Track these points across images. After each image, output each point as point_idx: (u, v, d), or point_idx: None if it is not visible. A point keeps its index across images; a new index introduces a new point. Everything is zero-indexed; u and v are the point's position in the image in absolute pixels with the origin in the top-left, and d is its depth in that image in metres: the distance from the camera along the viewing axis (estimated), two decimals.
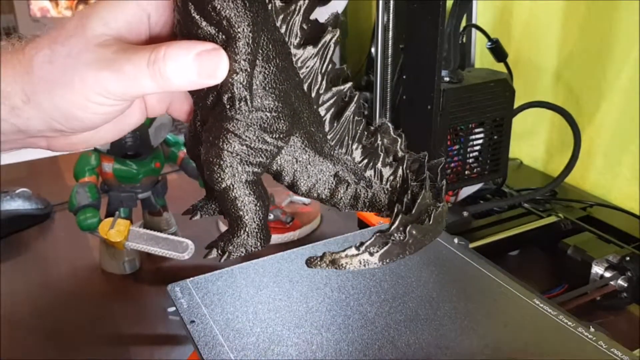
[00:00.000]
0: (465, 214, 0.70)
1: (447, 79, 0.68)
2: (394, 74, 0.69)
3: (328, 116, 0.32)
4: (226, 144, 0.29)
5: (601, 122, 0.85)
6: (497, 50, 0.79)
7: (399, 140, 0.33)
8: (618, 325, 0.60)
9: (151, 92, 0.28)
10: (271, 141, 0.30)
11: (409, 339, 0.46)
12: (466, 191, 0.76)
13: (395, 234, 0.30)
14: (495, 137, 0.73)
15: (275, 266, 0.54)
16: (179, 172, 0.81)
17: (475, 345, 0.45)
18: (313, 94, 0.31)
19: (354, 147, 0.32)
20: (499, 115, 0.72)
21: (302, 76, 0.30)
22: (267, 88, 0.29)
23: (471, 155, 0.72)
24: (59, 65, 0.28)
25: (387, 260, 0.30)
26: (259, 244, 0.32)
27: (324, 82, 0.31)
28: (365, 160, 0.33)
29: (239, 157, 0.30)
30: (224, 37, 0.28)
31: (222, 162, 0.30)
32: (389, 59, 0.67)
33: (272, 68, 0.29)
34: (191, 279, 0.52)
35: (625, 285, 0.60)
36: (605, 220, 0.74)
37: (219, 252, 0.32)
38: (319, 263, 0.30)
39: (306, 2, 0.29)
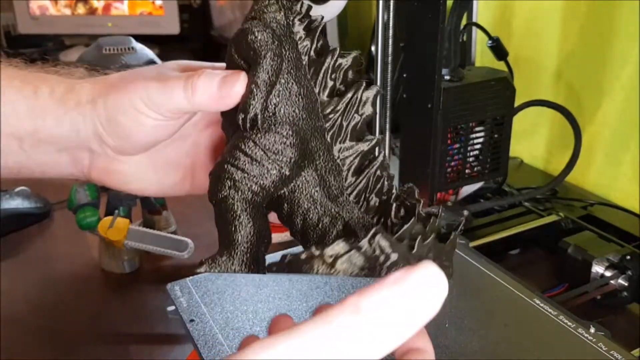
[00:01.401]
0: (465, 212, 0.70)
1: (447, 77, 0.68)
2: (394, 72, 0.68)
3: (349, 169, 0.32)
4: (232, 158, 0.31)
5: (602, 120, 0.85)
6: (498, 49, 0.79)
7: (419, 204, 0.31)
8: (618, 324, 0.60)
9: (183, 106, 0.32)
10: (275, 165, 0.31)
11: None
12: (466, 190, 0.76)
13: (362, 242, 0.26)
14: (496, 135, 0.73)
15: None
16: None
17: (475, 344, 0.45)
18: (335, 145, 0.32)
19: (371, 201, 0.32)
20: (500, 113, 0.72)
21: (326, 125, 0.32)
22: (285, 119, 0.31)
23: (471, 154, 0.72)
24: (127, 75, 0.33)
25: (349, 270, 0.27)
26: (242, 268, 0.30)
27: (347, 137, 0.32)
28: (377, 217, 0.32)
29: (240, 171, 0.30)
30: (248, 66, 0.31)
31: (224, 174, 0.31)
32: (389, 58, 0.66)
33: (294, 104, 0.31)
34: (191, 277, 0.52)
35: (626, 284, 0.60)
36: (605, 219, 0.73)
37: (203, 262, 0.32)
38: (275, 269, 0.29)
39: (335, 57, 0.32)
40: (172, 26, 1.37)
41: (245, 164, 0.30)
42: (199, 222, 0.81)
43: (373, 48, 1.12)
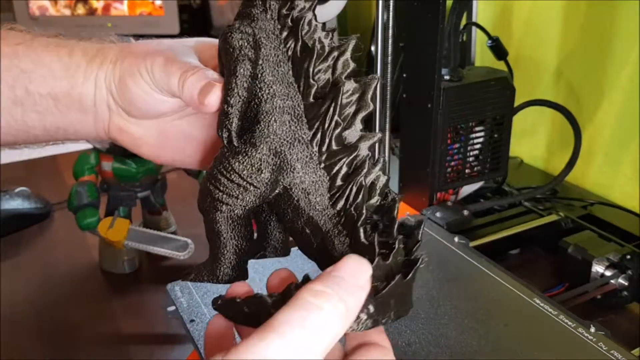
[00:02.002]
0: (465, 212, 0.70)
1: (447, 77, 0.68)
2: (394, 72, 0.68)
3: (335, 177, 0.30)
4: (212, 178, 0.31)
5: (602, 120, 0.85)
6: (498, 49, 0.79)
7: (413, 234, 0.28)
8: (618, 323, 0.60)
9: (173, 92, 0.33)
10: (252, 184, 0.30)
11: (409, 337, 0.46)
12: (466, 190, 0.76)
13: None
14: (496, 135, 0.73)
15: (275, 265, 0.54)
16: (178, 171, 0.81)
17: (475, 344, 0.45)
18: (320, 152, 0.30)
19: (348, 215, 0.29)
20: (499, 113, 0.72)
21: (310, 132, 0.30)
22: (262, 132, 0.30)
23: (471, 153, 0.72)
24: (150, 43, 0.36)
25: None
26: (224, 280, 0.32)
27: (334, 142, 0.30)
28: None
29: (219, 191, 0.30)
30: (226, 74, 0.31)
31: (206, 190, 0.31)
32: (389, 58, 0.66)
33: (272, 115, 0.30)
34: None
35: (626, 283, 0.60)
36: (605, 218, 0.73)
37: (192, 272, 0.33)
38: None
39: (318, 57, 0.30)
40: (171, 26, 1.36)
41: (224, 184, 0.30)
42: (199, 222, 0.81)
43: (373, 48, 1.11)
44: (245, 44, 0.30)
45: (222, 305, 0.29)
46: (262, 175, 0.30)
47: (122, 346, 0.59)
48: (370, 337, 0.26)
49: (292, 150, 0.30)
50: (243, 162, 0.30)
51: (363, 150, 0.30)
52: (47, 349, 0.59)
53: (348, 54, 0.31)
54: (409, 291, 0.26)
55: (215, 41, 0.34)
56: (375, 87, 0.30)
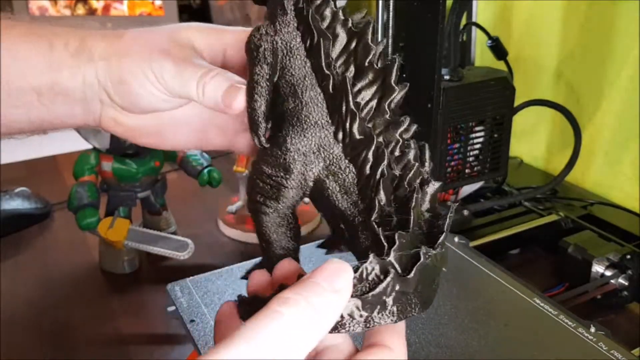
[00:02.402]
0: (465, 212, 0.70)
1: (447, 77, 0.68)
2: None
3: (361, 168, 0.30)
4: (251, 177, 0.32)
5: (602, 120, 0.85)
6: (498, 49, 0.79)
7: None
8: (618, 323, 0.60)
9: (190, 97, 0.33)
10: (287, 181, 0.31)
11: (409, 338, 0.45)
12: (466, 190, 0.76)
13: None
14: (496, 135, 0.73)
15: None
16: (178, 171, 0.81)
17: (475, 344, 0.45)
18: (345, 145, 0.30)
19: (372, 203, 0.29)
20: (499, 113, 0.72)
21: (333, 126, 0.30)
22: (286, 133, 0.31)
23: (471, 153, 0.72)
24: (141, 40, 0.34)
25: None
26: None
27: (355, 134, 0.29)
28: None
29: (256, 190, 0.32)
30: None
31: (247, 192, 0.32)
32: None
33: (295, 117, 0.30)
34: (191, 278, 0.52)
35: (626, 283, 0.60)
36: (605, 218, 0.73)
37: None
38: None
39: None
40: None
41: (260, 187, 0.31)
42: (199, 222, 0.81)
43: None
44: (267, 45, 0.31)
45: (246, 301, 0.29)
46: (292, 174, 0.30)
47: (122, 346, 0.59)
48: (382, 338, 0.26)
49: (319, 145, 0.30)
50: (272, 164, 0.31)
51: (389, 137, 0.29)
52: (47, 349, 0.59)
53: (368, 37, 0.30)
54: (416, 289, 0.25)
55: (209, 25, 0.35)
56: (397, 69, 0.30)
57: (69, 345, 0.60)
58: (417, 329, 0.46)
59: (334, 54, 0.30)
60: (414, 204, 0.27)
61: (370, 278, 0.24)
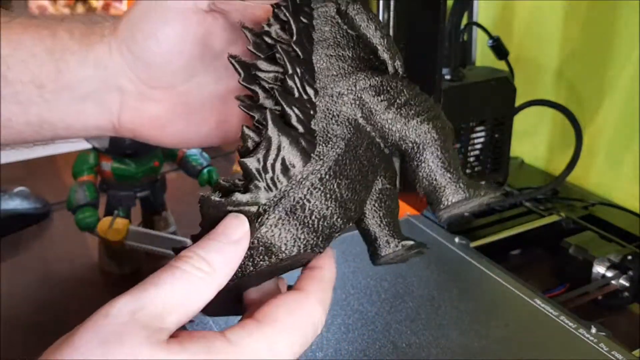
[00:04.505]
0: (466, 212, 0.70)
1: (447, 77, 0.68)
2: None
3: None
4: None
5: (603, 120, 0.85)
6: (498, 48, 0.79)
7: None
8: (619, 324, 0.59)
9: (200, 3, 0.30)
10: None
11: (409, 338, 0.45)
12: None
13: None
14: (497, 135, 0.73)
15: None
16: (178, 171, 0.81)
17: (476, 344, 0.45)
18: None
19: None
20: (500, 113, 0.72)
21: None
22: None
23: (472, 154, 0.72)
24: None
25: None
26: None
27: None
28: None
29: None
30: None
31: None
32: None
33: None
34: None
35: (627, 284, 0.59)
36: (607, 219, 0.73)
37: None
38: None
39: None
40: None
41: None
42: (199, 222, 0.81)
43: None
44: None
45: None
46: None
47: None
48: (317, 261, 0.30)
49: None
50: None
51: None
52: (46, 348, 0.59)
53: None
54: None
55: None
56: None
57: None
58: (417, 330, 0.46)
59: None
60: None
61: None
